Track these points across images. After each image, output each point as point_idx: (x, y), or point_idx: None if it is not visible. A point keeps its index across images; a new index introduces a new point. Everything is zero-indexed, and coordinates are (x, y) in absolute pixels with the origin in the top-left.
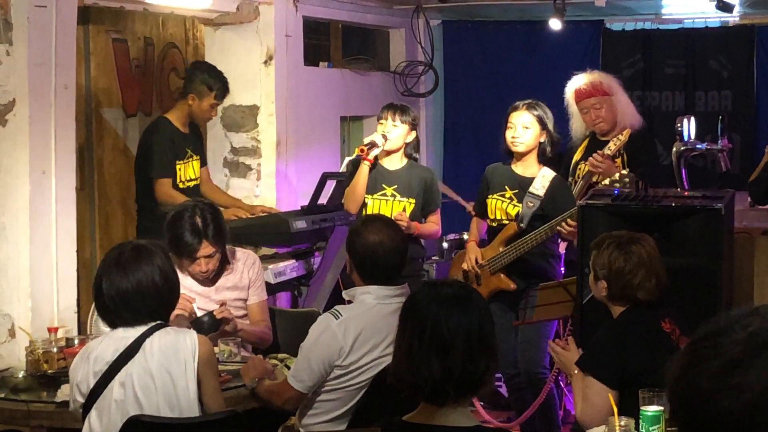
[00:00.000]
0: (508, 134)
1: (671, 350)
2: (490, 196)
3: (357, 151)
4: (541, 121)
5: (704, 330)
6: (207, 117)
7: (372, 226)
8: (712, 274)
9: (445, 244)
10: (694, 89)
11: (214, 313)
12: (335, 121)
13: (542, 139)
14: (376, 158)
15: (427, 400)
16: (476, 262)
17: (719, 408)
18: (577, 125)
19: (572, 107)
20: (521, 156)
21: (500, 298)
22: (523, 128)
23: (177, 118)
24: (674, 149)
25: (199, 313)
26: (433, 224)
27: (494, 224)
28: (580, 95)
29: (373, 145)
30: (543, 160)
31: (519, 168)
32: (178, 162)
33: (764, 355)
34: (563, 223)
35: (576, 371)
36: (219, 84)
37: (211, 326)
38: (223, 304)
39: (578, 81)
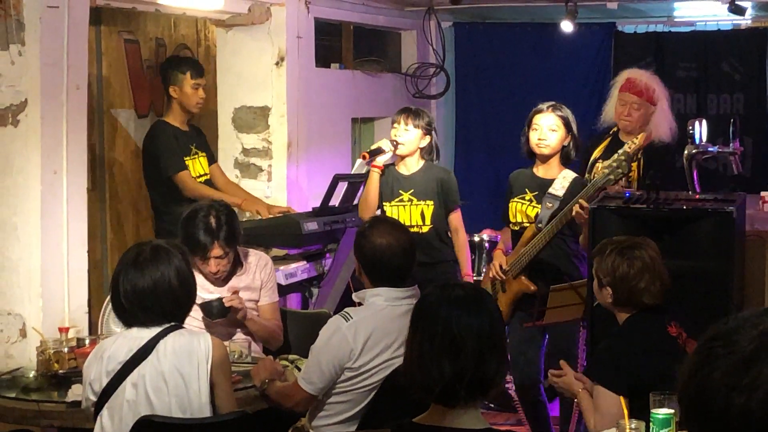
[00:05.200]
0: (533, 136)
1: (678, 354)
2: (511, 200)
3: (360, 157)
4: (567, 124)
5: (715, 330)
6: (197, 101)
7: (379, 229)
8: (723, 277)
9: None
10: (706, 92)
11: (224, 300)
12: (346, 123)
13: (566, 142)
14: (391, 164)
15: (438, 401)
16: (500, 268)
17: (733, 406)
18: (609, 108)
19: (614, 90)
20: (545, 159)
21: (523, 306)
22: (550, 131)
23: (174, 118)
24: (686, 152)
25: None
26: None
27: (516, 228)
28: (629, 87)
29: (379, 150)
30: (566, 163)
31: (540, 171)
32: (185, 158)
33: None
34: (575, 206)
35: (581, 389)
36: (188, 64)
37: (219, 312)
38: (235, 292)
39: (637, 73)
